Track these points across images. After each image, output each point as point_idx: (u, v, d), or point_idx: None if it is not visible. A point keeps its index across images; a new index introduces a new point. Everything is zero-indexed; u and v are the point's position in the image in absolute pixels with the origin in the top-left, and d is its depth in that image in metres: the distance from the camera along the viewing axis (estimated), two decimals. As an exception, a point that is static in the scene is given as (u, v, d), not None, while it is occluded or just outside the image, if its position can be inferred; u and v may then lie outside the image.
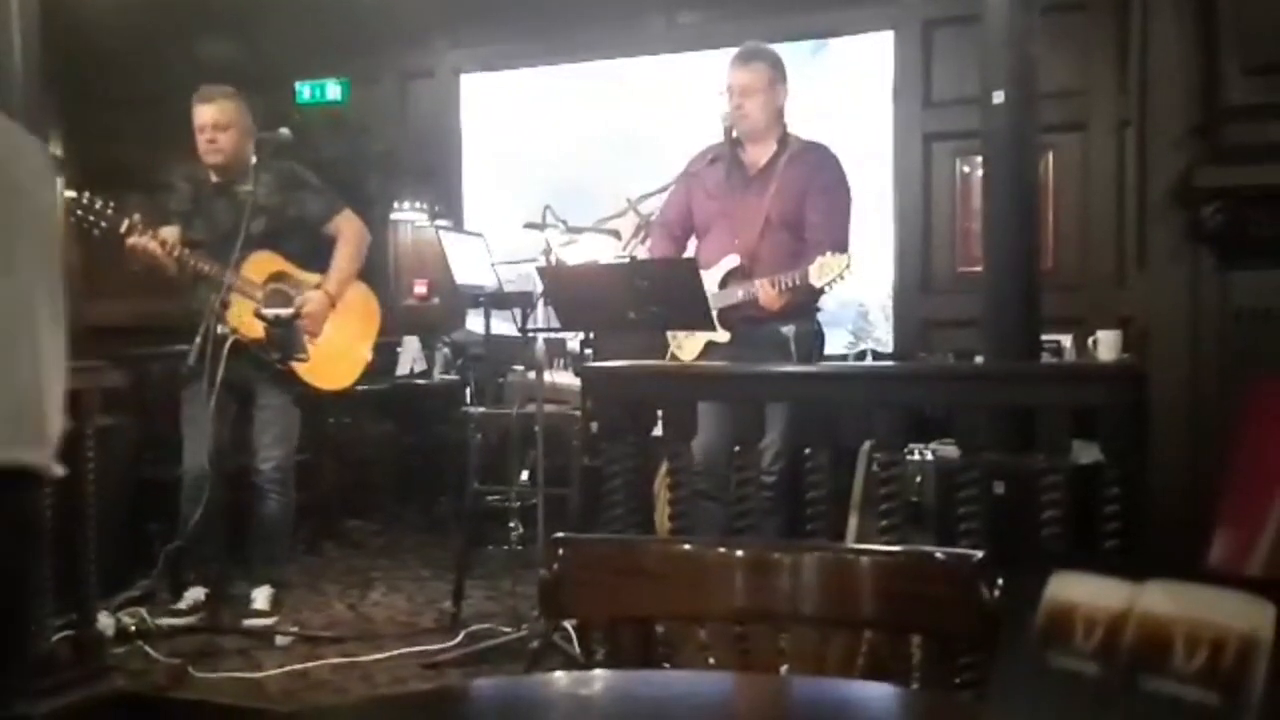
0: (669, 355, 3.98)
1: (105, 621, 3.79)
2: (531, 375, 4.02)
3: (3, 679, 1.71)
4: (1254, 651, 0.82)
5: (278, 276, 4.24)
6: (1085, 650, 0.90)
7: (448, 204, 7.09)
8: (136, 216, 4.05)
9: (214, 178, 4.28)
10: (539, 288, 3.89)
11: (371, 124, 7.09)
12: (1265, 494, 2.05)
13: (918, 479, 3.99)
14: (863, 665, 1.50)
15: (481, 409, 4.67)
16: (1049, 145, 5.35)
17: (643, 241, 4.14)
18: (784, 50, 4.18)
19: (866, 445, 3.81)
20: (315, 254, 4.33)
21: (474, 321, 5.34)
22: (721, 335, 3.79)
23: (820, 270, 3.62)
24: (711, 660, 1.59)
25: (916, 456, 3.98)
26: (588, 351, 4.40)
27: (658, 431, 3.55)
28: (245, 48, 6.47)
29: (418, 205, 6.99)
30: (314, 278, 4.29)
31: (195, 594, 4.21)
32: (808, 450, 3.03)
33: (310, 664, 3.76)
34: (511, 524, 4.01)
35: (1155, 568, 0.91)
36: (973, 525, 2.80)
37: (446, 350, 6.35)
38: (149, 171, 4.50)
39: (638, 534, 3.13)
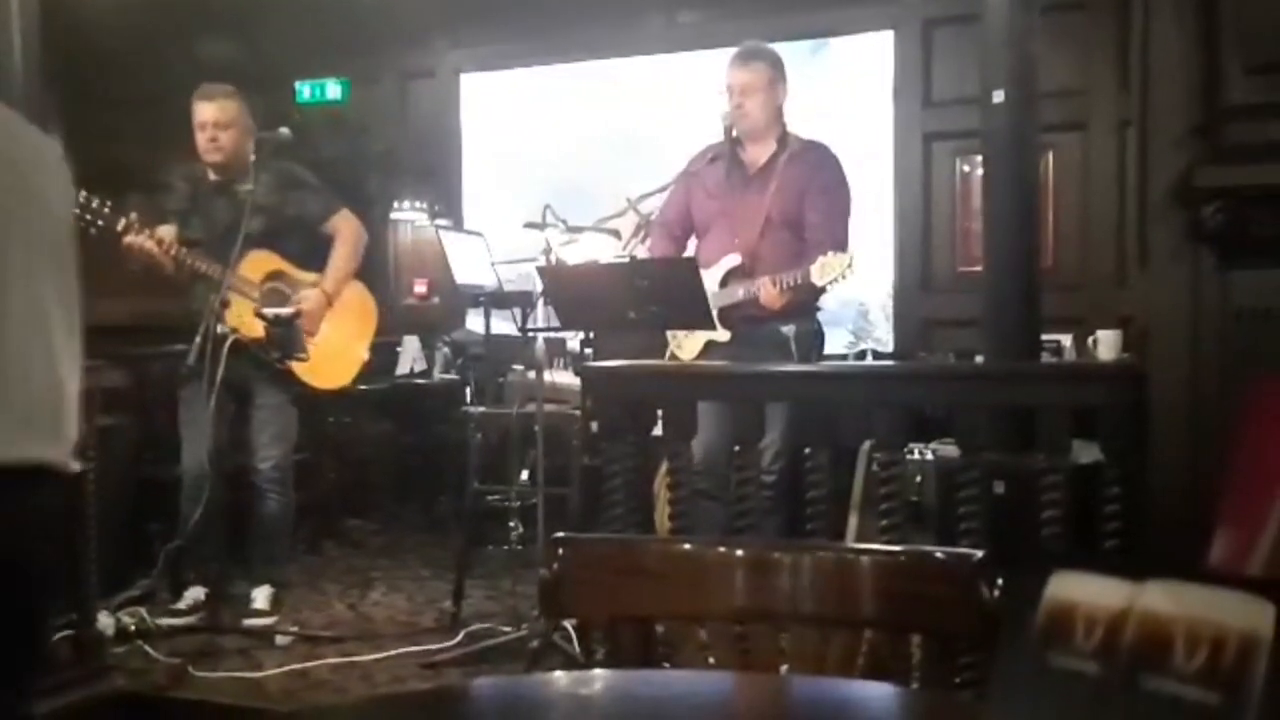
0: (668, 355, 3.98)
1: (105, 621, 3.79)
2: (531, 375, 4.02)
3: (25, 678, 1.71)
4: (1254, 651, 0.82)
5: (275, 275, 4.24)
6: (1085, 650, 0.90)
7: (448, 203, 7.08)
8: (134, 215, 4.05)
9: (212, 176, 4.28)
10: (539, 287, 3.90)
11: (371, 124, 7.09)
12: (1265, 494, 2.04)
13: (918, 479, 3.99)
14: (863, 665, 1.50)
15: (481, 408, 4.67)
16: (1049, 145, 5.35)
17: (643, 241, 4.14)
18: (784, 50, 4.18)
19: (866, 445, 3.81)
20: (313, 253, 4.33)
21: (474, 321, 5.34)
22: (722, 334, 3.79)
23: (822, 269, 3.62)
24: (711, 660, 1.59)
25: (916, 456, 3.98)
26: (588, 351, 4.41)
27: (658, 431, 3.55)
28: (245, 47, 6.46)
29: (418, 205, 6.99)
30: (311, 277, 4.29)
31: (195, 594, 4.21)
32: (808, 450, 3.03)
33: (310, 664, 3.76)
34: (511, 523, 4.01)
35: (1155, 567, 0.91)
36: (973, 525, 2.80)
37: (446, 350, 6.35)
38: (149, 171, 4.50)
39: (638, 534, 3.13)
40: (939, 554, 1.65)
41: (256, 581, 4.29)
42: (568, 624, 3.51)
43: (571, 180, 6.38)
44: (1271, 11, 2.53)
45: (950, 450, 3.42)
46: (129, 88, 6.11)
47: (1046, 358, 4.63)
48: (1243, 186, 2.51)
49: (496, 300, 4.20)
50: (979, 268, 4.64)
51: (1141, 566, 0.91)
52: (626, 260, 3.95)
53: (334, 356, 4.32)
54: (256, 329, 4.08)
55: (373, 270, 6.36)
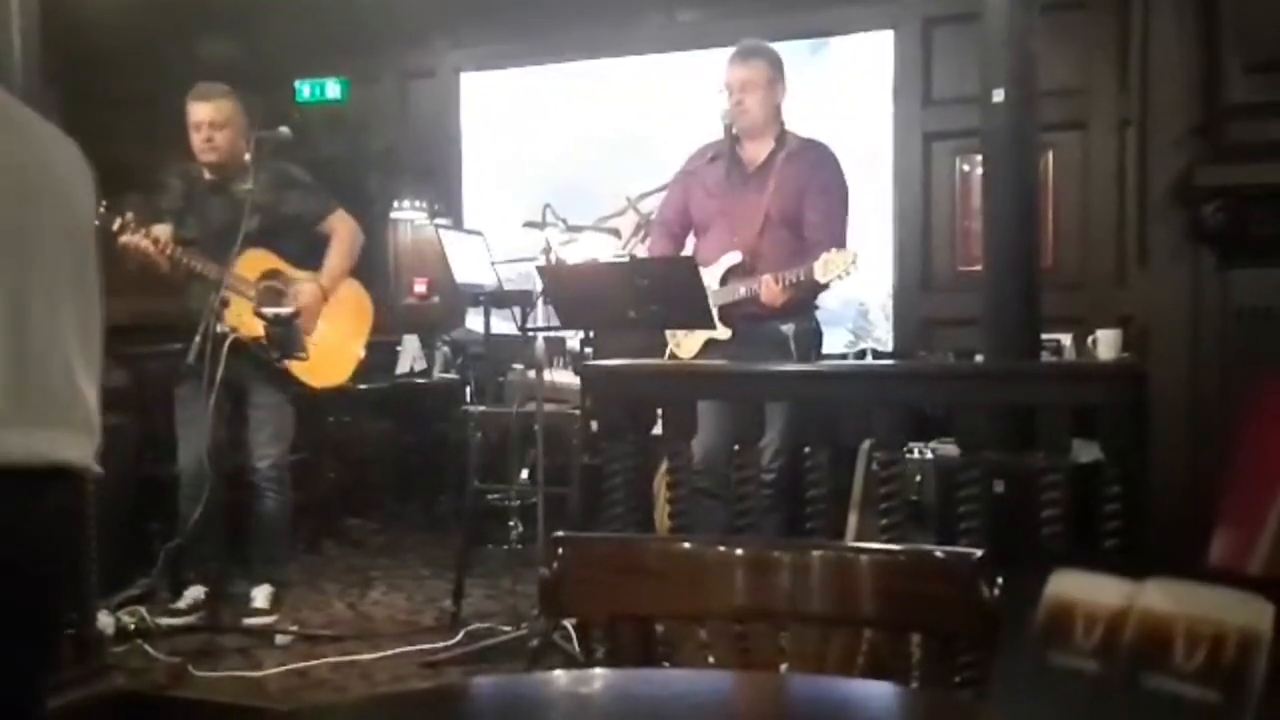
0: (667, 354, 3.98)
1: (105, 620, 3.79)
2: (531, 374, 4.02)
3: (39, 679, 1.71)
4: (1253, 649, 0.82)
5: (271, 274, 4.24)
6: (1085, 648, 0.90)
7: (447, 203, 7.08)
8: (129, 215, 4.05)
9: (207, 175, 4.28)
10: (539, 286, 3.90)
11: (371, 123, 7.09)
12: (1265, 493, 2.04)
13: (918, 478, 3.99)
14: (863, 664, 1.50)
15: (481, 408, 4.67)
16: (1049, 144, 5.35)
17: (642, 240, 4.15)
18: (784, 49, 4.18)
19: (866, 444, 3.81)
20: (309, 253, 4.33)
21: (474, 320, 5.34)
22: (722, 332, 3.79)
23: (826, 266, 3.62)
24: (711, 659, 1.59)
25: (916, 455, 3.98)
26: (588, 350, 4.41)
27: (658, 430, 3.55)
28: (245, 47, 6.46)
29: (417, 204, 6.99)
30: (307, 275, 4.29)
31: (195, 593, 4.21)
32: (807, 449, 3.03)
33: (310, 663, 3.76)
34: (511, 523, 4.02)
35: (1155, 566, 0.91)
36: (972, 524, 2.81)
37: (446, 349, 6.35)
38: (149, 171, 4.50)
39: (637, 533, 3.13)
40: (939, 553, 1.66)
41: (256, 581, 4.30)
42: (567, 623, 3.51)
43: (571, 179, 6.38)
44: (1271, 10, 2.53)
45: (950, 449, 3.43)
46: (129, 87, 6.11)
47: (1046, 357, 4.63)
48: (1243, 185, 2.51)
49: (496, 299, 4.20)
50: (979, 267, 4.64)
51: (1141, 565, 0.91)
52: (626, 259, 3.95)
53: (330, 355, 4.32)
54: (256, 328, 4.08)
55: (372, 269, 6.36)
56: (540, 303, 3.97)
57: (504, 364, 4.80)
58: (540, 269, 3.75)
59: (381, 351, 6.15)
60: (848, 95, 6.19)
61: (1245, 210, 2.49)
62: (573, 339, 4.94)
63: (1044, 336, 4.45)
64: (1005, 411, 3.29)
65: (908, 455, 3.73)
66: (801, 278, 3.69)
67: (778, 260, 3.81)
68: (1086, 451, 2.92)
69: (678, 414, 3.14)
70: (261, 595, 4.25)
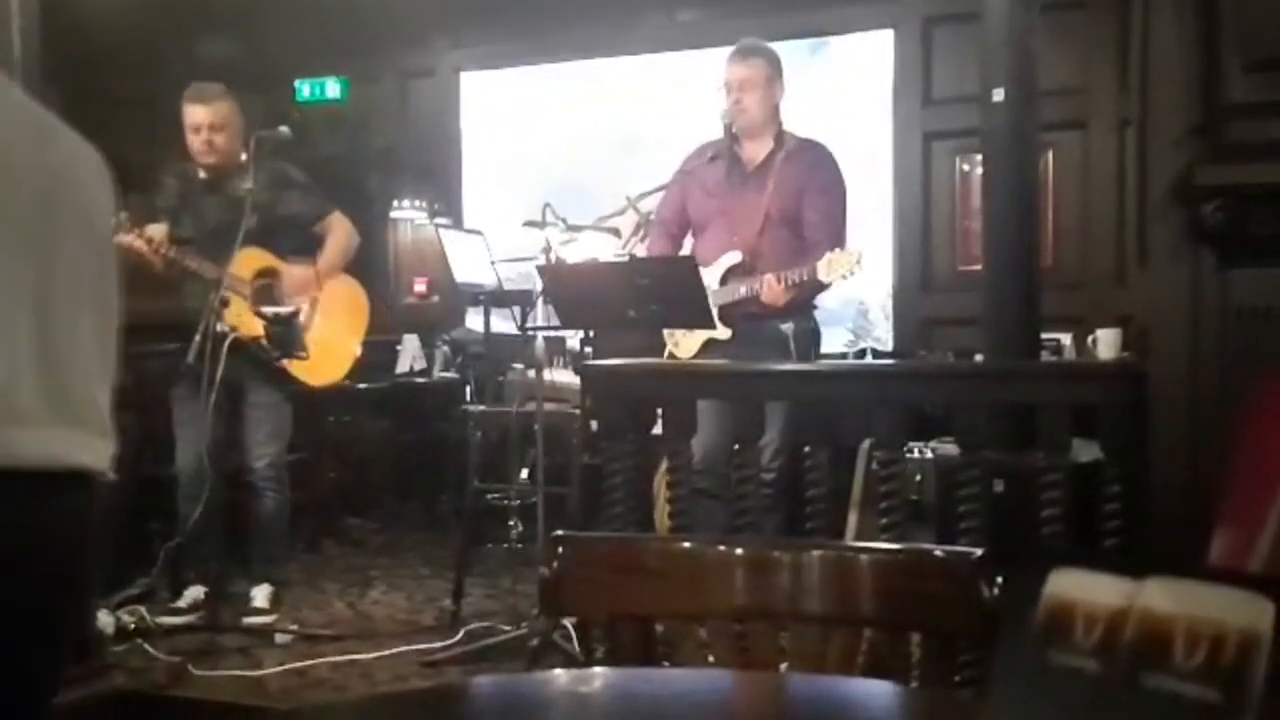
0: (666, 354, 3.98)
1: (105, 620, 3.79)
2: (531, 373, 4.02)
3: (49, 680, 1.72)
4: (1254, 648, 0.82)
5: (266, 273, 4.24)
6: (1085, 647, 0.90)
7: (447, 202, 7.08)
8: (123, 214, 4.04)
9: (202, 174, 4.27)
10: (539, 286, 3.90)
11: (371, 122, 7.09)
12: (1265, 492, 2.04)
13: (917, 477, 3.99)
14: (862, 663, 1.50)
15: (481, 407, 4.67)
16: (1049, 143, 5.35)
17: (642, 240, 4.14)
18: (784, 48, 4.18)
19: (866, 443, 3.81)
20: (304, 253, 4.32)
21: (474, 320, 5.34)
22: (722, 332, 3.79)
23: (830, 265, 3.62)
24: (711, 658, 1.59)
25: (916, 455, 3.98)
26: (587, 350, 4.41)
27: (657, 429, 3.55)
28: (245, 46, 6.46)
29: (417, 203, 6.99)
30: (301, 262, 4.28)
31: (195, 592, 4.21)
32: (807, 448, 3.03)
33: (310, 662, 3.75)
34: (511, 522, 4.02)
35: (1155, 565, 0.91)
36: (972, 523, 2.81)
37: (446, 348, 6.35)
38: (149, 170, 4.49)
39: (637, 532, 3.13)
40: (939, 552, 1.66)
41: (256, 580, 4.29)
42: (567, 622, 3.51)
43: (571, 179, 6.38)
44: (1271, 10, 2.53)
45: (950, 449, 3.43)
46: (129, 86, 6.12)
47: (1046, 356, 4.63)
48: (1243, 185, 2.51)
49: (496, 299, 4.21)
50: (979, 267, 4.64)
51: (1141, 565, 0.91)
52: (626, 259, 3.95)
53: (327, 352, 4.31)
54: (256, 327, 4.08)
55: (372, 269, 6.37)
56: (540, 302, 3.97)
57: (504, 363, 4.80)
58: (540, 268, 3.75)
59: (381, 351, 6.16)
60: (848, 95, 6.19)
61: (1245, 210, 2.49)
62: (572, 338, 4.94)
63: (1044, 336, 4.45)
64: (1005, 411, 3.29)
65: (908, 455, 3.73)
66: (805, 277, 3.69)
67: (778, 260, 3.81)
68: (1086, 451, 2.92)
69: (678, 413, 3.14)
70: (261, 595, 4.25)
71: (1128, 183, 5.09)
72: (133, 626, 3.93)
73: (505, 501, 4.12)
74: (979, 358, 4.41)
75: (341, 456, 6.03)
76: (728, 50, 4.04)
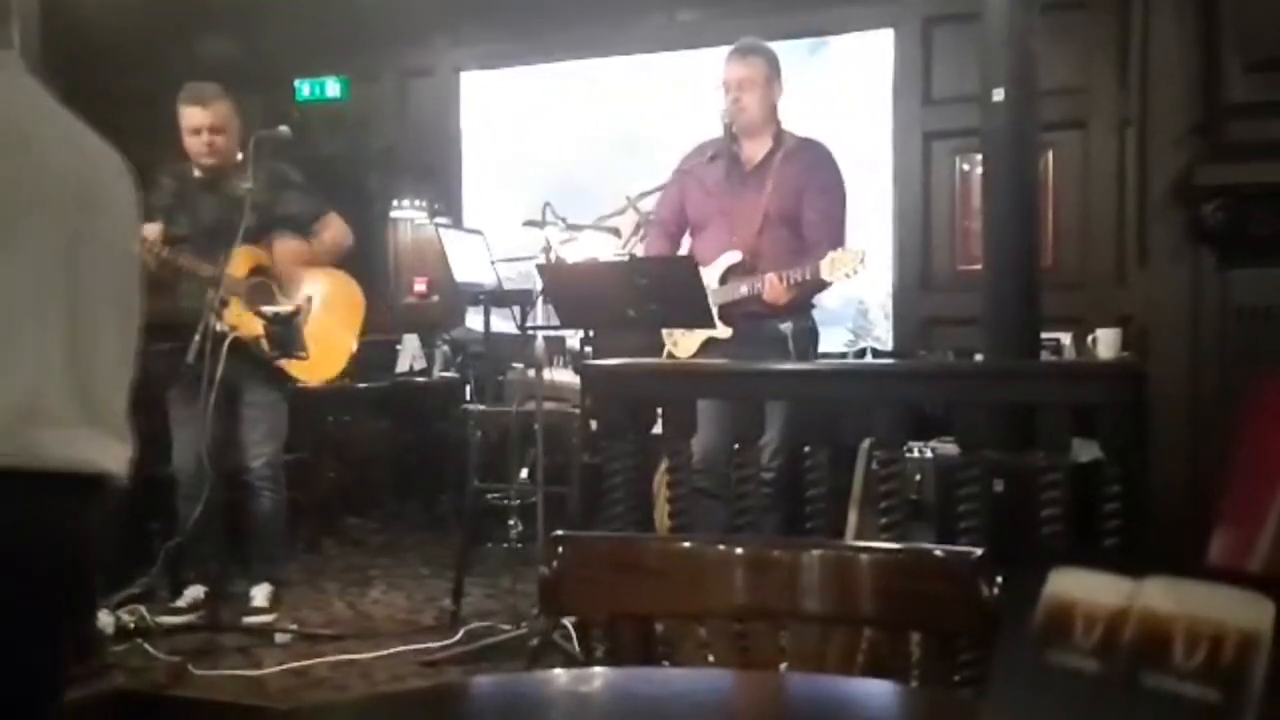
0: (665, 353, 3.98)
1: (105, 619, 3.78)
2: (531, 373, 4.02)
3: (53, 680, 1.72)
4: (1253, 648, 0.82)
5: (259, 271, 4.23)
6: (1085, 647, 0.90)
7: (447, 201, 7.09)
8: None
9: (197, 173, 4.26)
10: (539, 285, 3.89)
11: (371, 121, 7.09)
12: (1265, 491, 2.04)
13: (917, 477, 3.99)
14: (862, 663, 1.50)
15: (481, 407, 4.67)
16: (1049, 143, 5.35)
17: (642, 240, 4.14)
18: (784, 48, 4.18)
19: (866, 443, 3.81)
20: None
21: (474, 319, 5.34)
22: (723, 331, 3.79)
23: (833, 265, 3.62)
24: (711, 658, 1.59)
25: (916, 454, 3.98)
26: (587, 349, 4.41)
27: (657, 429, 3.54)
28: (245, 45, 6.47)
29: (417, 203, 6.99)
30: (295, 270, 4.28)
31: (194, 592, 4.21)
32: (807, 448, 3.03)
33: (310, 661, 3.75)
34: (511, 522, 4.02)
35: (1155, 565, 0.91)
36: (972, 523, 2.80)
37: (446, 348, 6.35)
38: (149, 169, 4.48)
39: (637, 532, 3.13)
40: (938, 552, 1.66)
41: (255, 580, 4.29)
42: (567, 622, 3.51)
43: (571, 178, 6.38)
44: (1271, 10, 2.53)
45: (950, 448, 3.42)
46: (129, 86, 6.11)
47: (1046, 356, 4.63)
48: (1243, 185, 2.51)
49: (496, 298, 4.20)
50: (979, 266, 4.65)
51: (1141, 564, 0.91)
52: (626, 258, 3.95)
53: (323, 349, 4.30)
54: (255, 327, 4.07)
55: (372, 268, 6.37)
56: (540, 302, 3.97)
57: (504, 363, 4.80)
58: (540, 268, 3.75)
59: (381, 350, 6.16)
60: (847, 95, 6.19)
61: (1245, 210, 2.49)
62: (572, 338, 4.94)
63: (1044, 336, 4.45)
64: (1005, 410, 3.29)
65: (907, 454, 3.73)
66: (807, 276, 3.69)
67: (777, 259, 3.81)
68: (1086, 450, 2.92)
69: (677, 413, 3.14)
70: (261, 594, 4.25)
71: (1128, 182, 5.09)
72: (132, 626, 3.93)
73: (505, 501, 4.11)
74: (979, 357, 4.42)
75: (341, 456, 6.03)
76: (728, 50, 4.04)
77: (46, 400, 1.57)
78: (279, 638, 4.02)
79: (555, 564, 1.58)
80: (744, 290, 3.81)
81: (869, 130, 6.10)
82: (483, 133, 7.18)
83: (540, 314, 4.04)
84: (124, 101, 6.05)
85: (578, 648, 3.39)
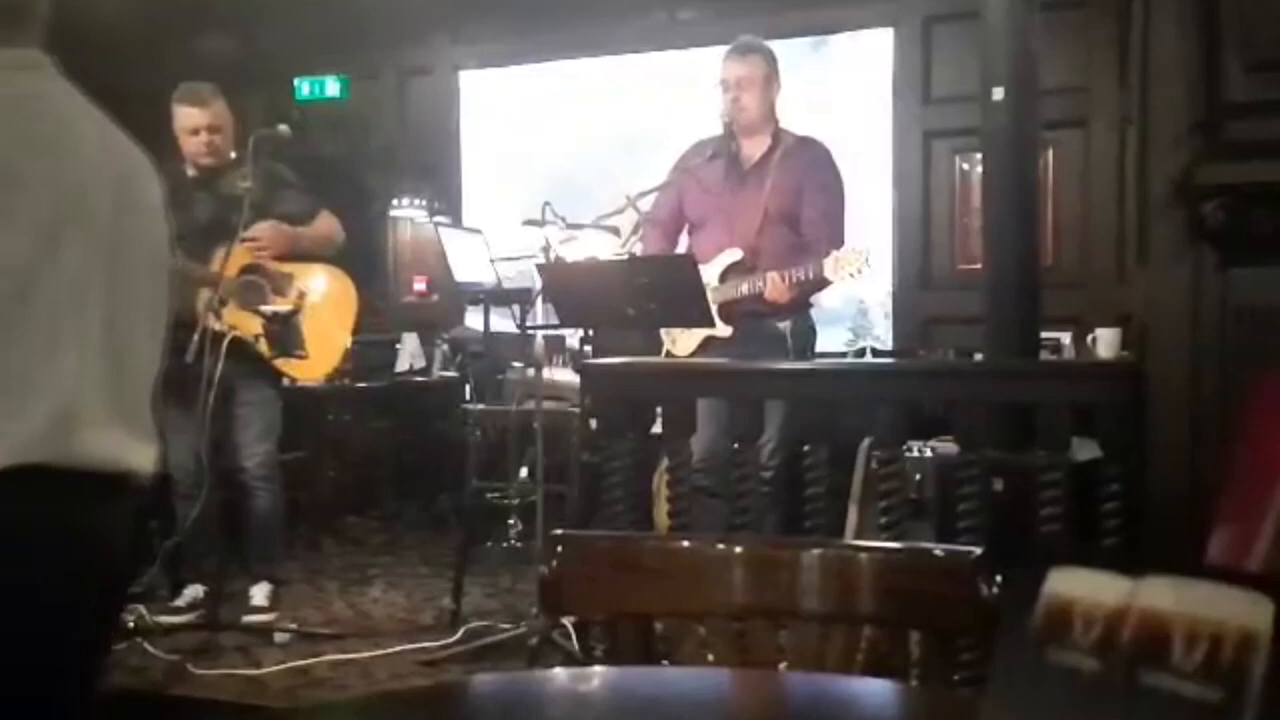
0: (664, 351, 3.98)
1: (104, 618, 3.78)
2: (530, 372, 4.02)
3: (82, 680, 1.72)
4: (1253, 647, 0.82)
5: (250, 269, 4.23)
6: (1084, 646, 0.90)
7: (447, 201, 7.08)
8: None
9: (191, 172, 4.25)
10: (538, 285, 3.89)
11: (371, 121, 7.09)
12: (1265, 490, 2.04)
13: (917, 476, 3.99)
14: (862, 661, 1.50)
15: (481, 406, 4.67)
16: (1049, 142, 5.35)
17: (641, 239, 4.14)
18: (784, 47, 4.18)
19: (866, 442, 3.81)
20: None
21: (473, 318, 5.34)
22: (723, 330, 3.79)
23: (836, 264, 3.62)
24: (711, 657, 1.59)
25: (916, 453, 3.98)
26: (587, 348, 4.41)
27: (657, 428, 3.55)
28: (245, 44, 6.46)
29: (417, 202, 6.99)
30: (287, 268, 4.27)
31: (193, 591, 4.21)
32: (806, 447, 3.03)
33: (309, 661, 3.75)
34: (511, 521, 4.02)
35: (1154, 564, 0.91)
36: (972, 522, 2.81)
37: (445, 347, 6.35)
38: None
39: (637, 531, 3.13)
40: (938, 551, 1.66)
41: (254, 579, 4.29)
42: (567, 621, 3.51)
43: (571, 177, 6.38)
44: (1271, 9, 2.53)
45: (949, 447, 3.43)
46: (129, 84, 6.09)
47: (1046, 355, 4.63)
48: (1243, 184, 2.51)
49: (495, 297, 4.21)
50: (978, 265, 4.64)
51: (1140, 563, 0.91)
52: (626, 258, 3.95)
53: (316, 345, 4.29)
54: (254, 326, 4.07)
55: (372, 267, 6.37)
56: (539, 301, 3.97)
57: (503, 362, 4.80)
58: (539, 267, 3.75)
59: (381, 350, 6.16)
60: (848, 93, 6.19)
61: (1245, 209, 2.49)
62: (572, 337, 4.94)
63: (1044, 335, 4.45)
64: (1004, 409, 3.29)
65: (907, 453, 3.73)
66: (810, 275, 3.68)
67: (777, 257, 3.81)
68: (1086, 449, 2.92)
69: (677, 412, 3.14)
70: (260, 593, 4.25)
71: (1128, 182, 5.08)
72: (132, 625, 3.92)
73: (505, 500, 4.12)
74: (979, 356, 4.41)
75: (341, 456, 6.03)
76: (726, 49, 4.04)
77: (86, 401, 1.59)
78: (278, 637, 4.01)
79: (555, 563, 1.58)
80: (744, 289, 3.81)
81: (869, 129, 6.10)
82: (482, 132, 7.18)
83: (540, 313, 4.04)
84: (124, 99, 6.05)
85: (577, 647, 3.40)
